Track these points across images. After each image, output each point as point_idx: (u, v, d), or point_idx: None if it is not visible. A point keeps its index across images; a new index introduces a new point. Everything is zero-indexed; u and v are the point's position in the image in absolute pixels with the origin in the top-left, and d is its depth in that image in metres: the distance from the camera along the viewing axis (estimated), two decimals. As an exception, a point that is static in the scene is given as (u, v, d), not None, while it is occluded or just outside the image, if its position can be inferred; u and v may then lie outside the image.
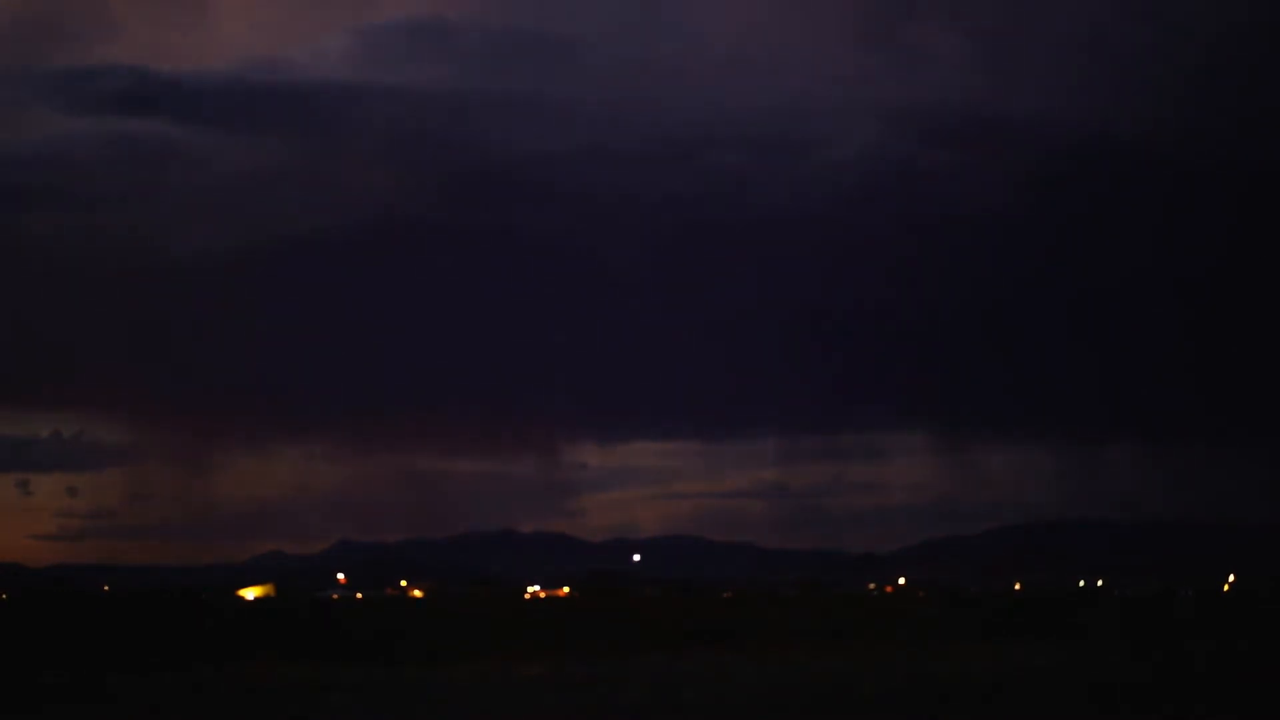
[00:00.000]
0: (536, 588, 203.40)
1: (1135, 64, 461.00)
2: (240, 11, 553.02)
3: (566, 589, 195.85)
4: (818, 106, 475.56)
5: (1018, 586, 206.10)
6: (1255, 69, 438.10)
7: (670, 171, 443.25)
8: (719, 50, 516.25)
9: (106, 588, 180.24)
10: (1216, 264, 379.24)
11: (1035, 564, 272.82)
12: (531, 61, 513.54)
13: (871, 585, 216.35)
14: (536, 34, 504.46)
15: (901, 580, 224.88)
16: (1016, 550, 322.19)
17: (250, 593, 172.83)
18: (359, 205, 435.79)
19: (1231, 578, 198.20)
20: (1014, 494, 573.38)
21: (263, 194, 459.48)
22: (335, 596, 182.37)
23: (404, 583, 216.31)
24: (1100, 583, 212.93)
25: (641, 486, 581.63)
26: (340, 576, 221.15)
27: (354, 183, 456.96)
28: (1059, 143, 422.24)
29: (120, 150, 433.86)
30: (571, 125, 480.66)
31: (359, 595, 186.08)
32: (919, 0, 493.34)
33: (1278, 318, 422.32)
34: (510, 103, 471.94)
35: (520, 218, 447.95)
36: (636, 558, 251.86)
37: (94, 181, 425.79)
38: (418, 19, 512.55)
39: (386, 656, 74.70)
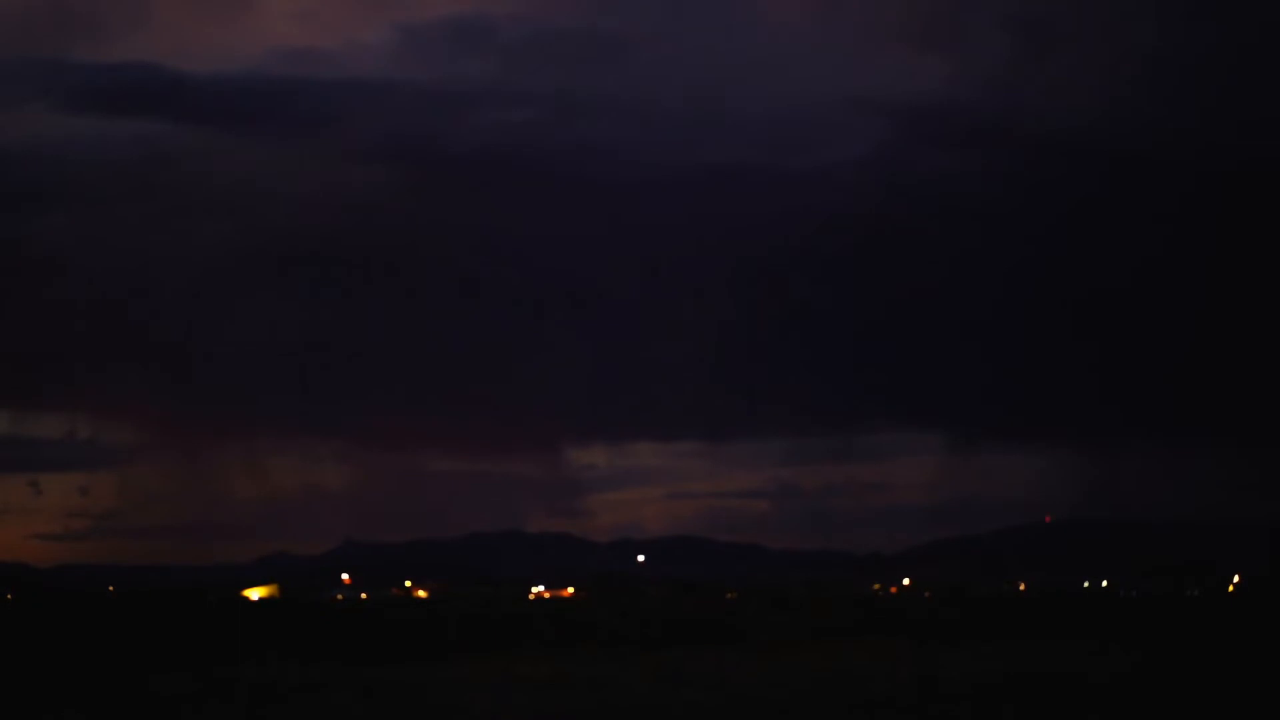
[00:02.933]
0: (541, 588, 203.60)
1: (1138, 66, 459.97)
2: (284, 3, 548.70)
3: (571, 589, 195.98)
4: (822, 104, 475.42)
5: (1022, 587, 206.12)
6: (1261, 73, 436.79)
7: (678, 170, 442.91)
8: (764, 44, 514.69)
9: (111, 588, 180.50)
10: (1219, 266, 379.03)
11: (1041, 564, 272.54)
12: (570, 58, 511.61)
13: (876, 586, 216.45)
14: (578, 31, 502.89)
15: (906, 580, 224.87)
16: (1022, 551, 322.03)
17: (255, 593, 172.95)
18: (371, 204, 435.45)
19: (1236, 578, 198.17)
20: (1020, 494, 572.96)
21: (272, 193, 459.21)
22: (340, 597, 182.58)
23: (409, 583, 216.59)
24: (1105, 583, 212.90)
25: (647, 487, 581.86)
26: (345, 577, 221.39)
27: (367, 180, 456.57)
28: (1066, 143, 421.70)
29: (130, 149, 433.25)
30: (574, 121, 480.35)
31: (364, 595, 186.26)
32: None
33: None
34: (522, 99, 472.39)
35: (529, 216, 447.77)
36: (641, 558, 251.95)
37: (104, 181, 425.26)
38: (460, 16, 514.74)
39: (391, 657, 74.66)
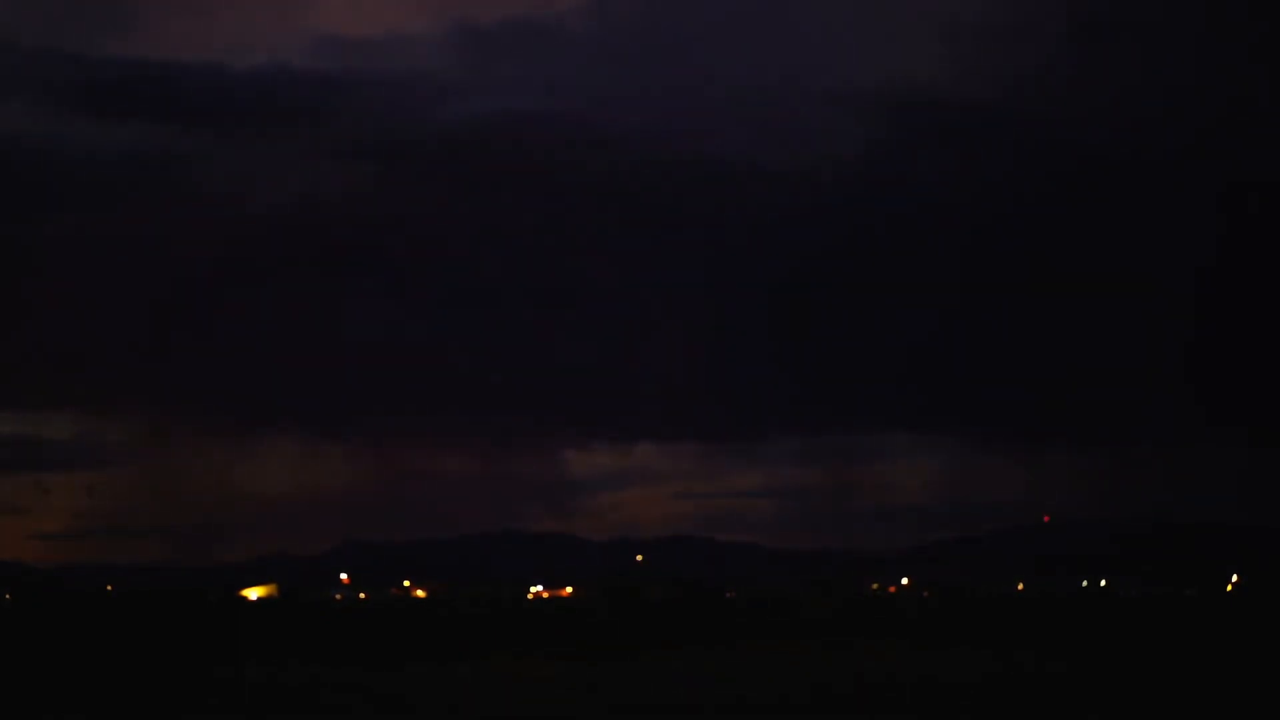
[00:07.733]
0: (540, 588, 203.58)
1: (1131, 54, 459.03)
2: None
3: (570, 589, 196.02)
4: (828, 99, 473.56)
5: (1021, 587, 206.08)
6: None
7: (681, 167, 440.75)
8: (774, 39, 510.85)
9: (110, 587, 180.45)
10: (1218, 266, 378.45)
11: (1040, 565, 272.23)
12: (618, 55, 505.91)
13: (875, 585, 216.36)
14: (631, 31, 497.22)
15: (904, 580, 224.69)
16: (1022, 551, 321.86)
17: (253, 593, 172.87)
18: (375, 203, 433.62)
19: (1235, 578, 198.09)
20: (1019, 495, 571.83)
21: (274, 189, 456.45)
22: (339, 597, 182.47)
23: (407, 583, 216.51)
24: (1105, 583, 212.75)
25: (647, 487, 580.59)
26: (344, 577, 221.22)
27: (368, 177, 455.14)
28: (1061, 137, 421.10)
29: (135, 146, 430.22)
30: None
31: (362, 595, 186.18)
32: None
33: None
34: (514, 92, 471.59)
35: (531, 213, 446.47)
36: (640, 558, 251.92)
37: (109, 180, 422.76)
38: (515, 15, 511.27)
39: (389, 656, 74.71)
